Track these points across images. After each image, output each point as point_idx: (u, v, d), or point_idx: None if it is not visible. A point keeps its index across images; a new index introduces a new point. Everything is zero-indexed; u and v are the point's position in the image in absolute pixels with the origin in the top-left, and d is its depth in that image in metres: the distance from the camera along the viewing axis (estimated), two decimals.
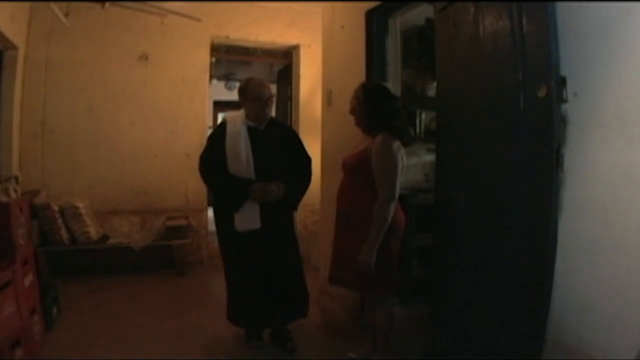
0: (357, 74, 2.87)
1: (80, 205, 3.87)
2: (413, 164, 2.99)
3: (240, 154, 2.47)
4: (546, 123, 1.52)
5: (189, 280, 4.07)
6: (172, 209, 4.46)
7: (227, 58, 5.54)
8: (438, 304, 2.11)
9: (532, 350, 1.59)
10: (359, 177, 2.23)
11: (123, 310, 3.21)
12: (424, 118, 3.17)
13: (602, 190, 1.42)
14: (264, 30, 4.74)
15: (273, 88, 3.16)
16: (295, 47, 4.97)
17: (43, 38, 3.95)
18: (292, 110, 5.16)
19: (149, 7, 3.92)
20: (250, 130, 2.54)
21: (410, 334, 2.51)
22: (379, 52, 2.85)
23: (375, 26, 2.85)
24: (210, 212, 3.10)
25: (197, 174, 2.65)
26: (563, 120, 1.51)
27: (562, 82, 1.50)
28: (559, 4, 1.51)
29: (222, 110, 7.63)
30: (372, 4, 2.81)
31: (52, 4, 3.53)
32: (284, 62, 5.29)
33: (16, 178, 3.48)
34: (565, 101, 1.51)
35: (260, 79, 2.73)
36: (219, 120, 6.68)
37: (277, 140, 2.60)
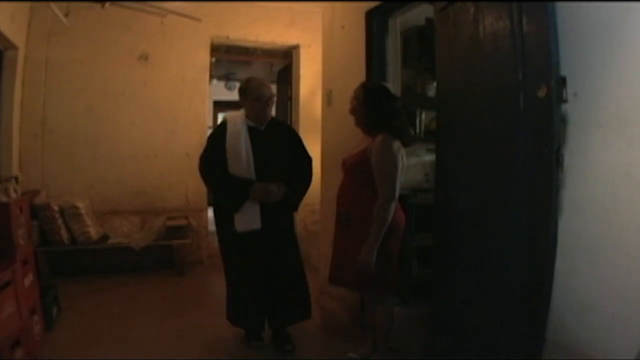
0: (357, 74, 2.87)
1: (80, 205, 3.87)
2: (413, 164, 2.99)
3: (241, 154, 2.47)
4: (546, 123, 1.52)
5: (189, 280, 4.07)
6: (172, 209, 4.46)
7: (227, 58, 5.54)
8: (438, 304, 2.11)
9: (532, 350, 1.59)
10: (359, 177, 2.23)
11: (123, 310, 3.21)
12: (424, 118, 3.17)
13: (602, 190, 1.42)
14: (264, 30, 4.74)
15: (273, 88, 3.15)
16: (295, 47, 4.97)
17: (43, 38, 3.95)
18: (292, 110, 5.15)
19: (149, 7, 3.93)
20: (251, 130, 2.54)
21: (410, 334, 2.51)
22: (379, 52, 2.85)
23: (375, 26, 2.85)
24: (210, 212, 3.10)
25: (197, 174, 2.64)
26: (563, 120, 1.51)
27: (562, 82, 1.50)
28: (559, 4, 1.51)
29: (222, 110, 7.62)
30: (372, 4, 2.81)
31: (52, 4, 3.53)
32: (284, 62, 5.29)
33: (16, 178, 3.47)
34: (565, 101, 1.51)
35: (260, 78, 2.73)
36: (219, 120, 6.69)
37: (277, 140, 2.60)
